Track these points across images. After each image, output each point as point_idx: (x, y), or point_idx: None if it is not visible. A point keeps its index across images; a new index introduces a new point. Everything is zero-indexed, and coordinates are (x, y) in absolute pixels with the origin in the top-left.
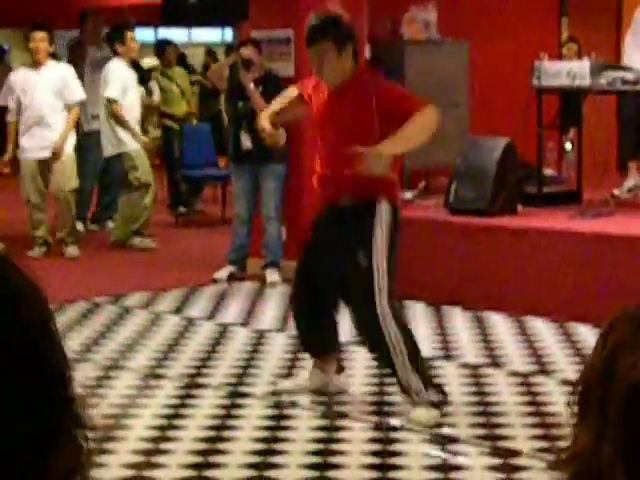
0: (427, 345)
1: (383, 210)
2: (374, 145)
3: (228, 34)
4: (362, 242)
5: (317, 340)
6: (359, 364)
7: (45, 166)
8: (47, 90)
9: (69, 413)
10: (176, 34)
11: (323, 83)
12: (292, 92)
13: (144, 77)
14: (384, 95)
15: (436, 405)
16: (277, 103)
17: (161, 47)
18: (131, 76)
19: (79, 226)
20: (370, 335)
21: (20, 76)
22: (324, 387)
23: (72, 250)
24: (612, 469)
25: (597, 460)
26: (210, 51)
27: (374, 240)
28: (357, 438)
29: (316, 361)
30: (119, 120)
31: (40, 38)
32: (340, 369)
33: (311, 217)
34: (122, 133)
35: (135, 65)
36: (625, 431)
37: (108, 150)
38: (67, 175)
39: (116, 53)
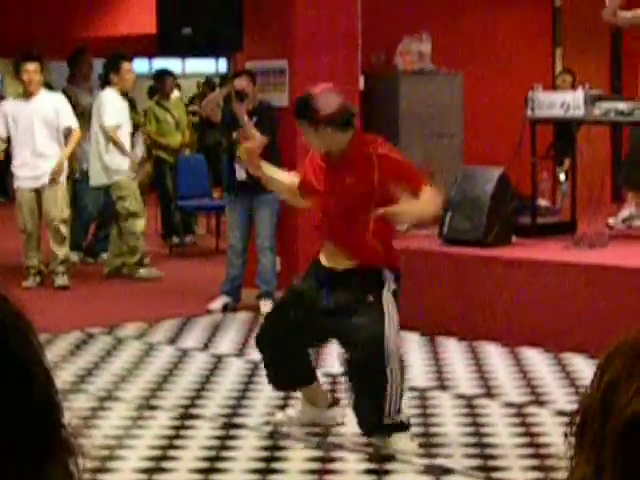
0: (421, 376)
1: (388, 277)
2: (370, 217)
3: (222, 65)
4: (372, 292)
5: (292, 375)
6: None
7: (39, 195)
8: (39, 120)
9: (59, 439)
10: (170, 65)
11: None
12: (293, 181)
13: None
14: (386, 168)
15: (406, 428)
16: (279, 174)
17: (160, 77)
18: (124, 106)
19: (74, 256)
20: (372, 366)
21: (11, 107)
22: (316, 420)
23: (61, 280)
24: None
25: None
26: (207, 80)
27: (384, 299)
28: (351, 469)
29: (305, 395)
30: (117, 145)
31: (32, 70)
32: (334, 402)
33: (306, 254)
34: (110, 163)
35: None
36: (623, 465)
37: (96, 180)
38: (59, 205)
39: (110, 83)
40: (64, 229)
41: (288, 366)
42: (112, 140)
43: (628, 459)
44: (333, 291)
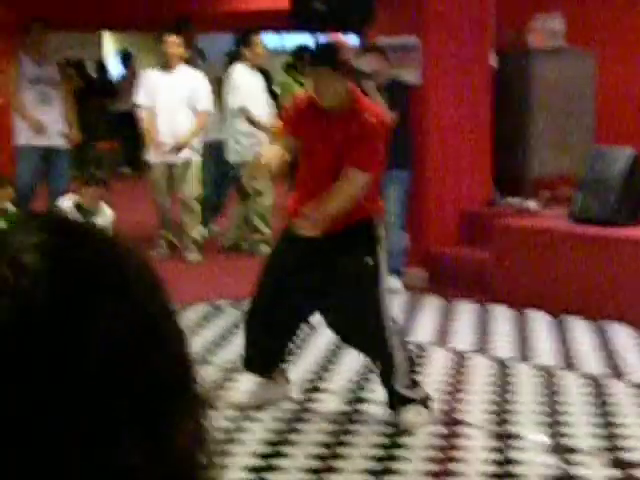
0: (548, 354)
1: (378, 229)
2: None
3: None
4: (365, 253)
5: (273, 355)
6: (479, 372)
7: (172, 171)
8: (178, 95)
9: (190, 393)
10: (301, 41)
11: (315, 101)
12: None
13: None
14: (370, 131)
15: (424, 404)
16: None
17: (299, 53)
18: (255, 81)
19: (203, 231)
20: (374, 343)
21: (152, 78)
22: (275, 396)
23: (194, 256)
24: None
25: None
26: None
27: (379, 261)
28: (476, 446)
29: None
30: (256, 124)
31: (172, 41)
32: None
33: (435, 232)
34: (245, 143)
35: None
36: None
37: (233, 157)
38: (192, 182)
39: (240, 57)
40: (196, 206)
41: (272, 354)
42: (249, 122)
43: None
44: (320, 261)
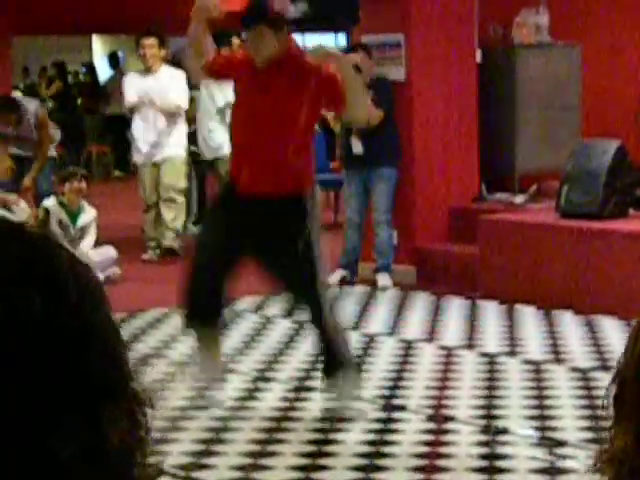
0: (537, 349)
1: (315, 199)
2: (300, 125)
3: (342, 39)
4: (299, 232)
5: (212, 309)
6: (467, 368)
7: (158, 169)
8: (158, 96)
9: (125, 389)
10: None
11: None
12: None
13: None
14: (320, 74)
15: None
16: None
17: None
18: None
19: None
20: (314, 314)
21: (134, 81)
22: (214, 375)
23: (171, 241)
24: None
25: (638, 463)
26: None
27: (312, 233)
28: (464, 441)
29: (205, 351)
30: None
31: (149, 44)
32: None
33: (423, 228)
34: (212, 141)
35: None
36: None
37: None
38: (174, 175)
39: None
40: (180, 198)
41: (209, 296)
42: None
43: None
44: (255, 227)
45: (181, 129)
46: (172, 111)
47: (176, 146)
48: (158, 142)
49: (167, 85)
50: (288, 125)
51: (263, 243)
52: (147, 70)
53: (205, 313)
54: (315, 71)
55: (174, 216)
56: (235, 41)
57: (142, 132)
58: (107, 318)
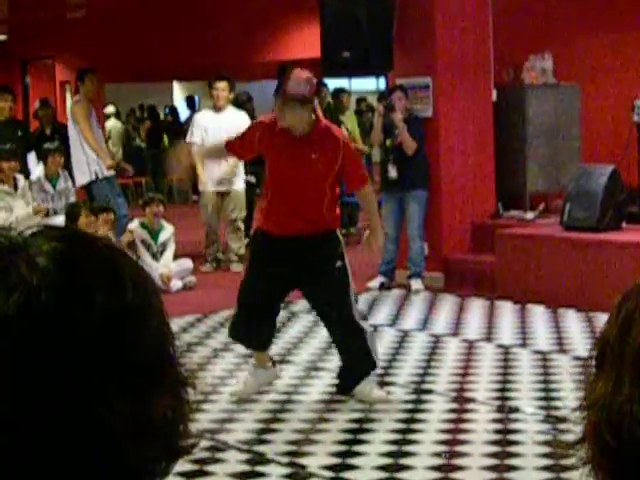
0: (545, 341)
1: (341, 239)
2: (330, 183)
3: (382, 82)
4: (335, 257)
5: (266, 336)
6: (486, 357)
7: (220, 196)
8: (226, 131)
9: (169, 375)
10: (340, 83)
11: (281, 128)
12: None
13: None
14: (349, 149)
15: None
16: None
17: (336, 94)
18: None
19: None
20: (349, 330)
21: (204, 119)
22: (267, 380)
23: (237, 265)
24: (631, 406)
25: (617, 401)
26: (363, 98)
27: (345, 260)
28: (482, 419)
29: (258, 358)
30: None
31: (221, 87)
32: (273, 361)
33: (449, 241)
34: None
35: None
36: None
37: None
38: (238, 206)
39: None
40: (241, 225)
41: (263, 325)
42: None
43: None
44: (295, 257)
45: (240, 164)
46: None
47: (239, 181)
48: (223, 177)
49: (233, 122)
50: (323, 186)
51: (302, 270)
52: (218, 109)
53: (260, 344)
54: (345, 145)
55: (239, 244)
56: (219, 85)
57: (206, 167)
58: (157, 317)
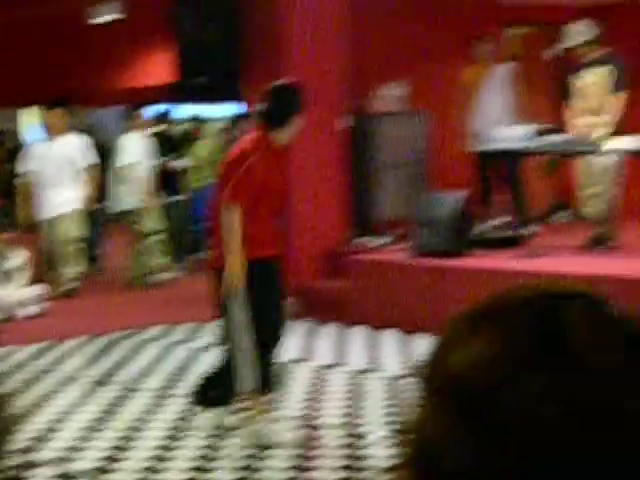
0: (395, 366)
1: None
2: None
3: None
4: None
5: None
6: (335, 383)
7: (54, 221)
8: (57, 159)
9: None
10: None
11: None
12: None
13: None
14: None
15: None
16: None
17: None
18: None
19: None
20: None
21: (38, 145)
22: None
23: (71, 285)
24: (444, 435)
25: (430, 429)
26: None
27: None
28: (329, 445)
29: (265, 416)
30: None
31: (53, 115)
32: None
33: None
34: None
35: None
36: (442, 414)
37: (122, 206)
38: (70, 227)
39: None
40: (72, 247)
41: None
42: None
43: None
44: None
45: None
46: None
47: (76, 201)
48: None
49: (64, 150)
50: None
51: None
52: (52, 136)
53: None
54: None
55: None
56: (51, 112)
57: (47, 191)
58: None
